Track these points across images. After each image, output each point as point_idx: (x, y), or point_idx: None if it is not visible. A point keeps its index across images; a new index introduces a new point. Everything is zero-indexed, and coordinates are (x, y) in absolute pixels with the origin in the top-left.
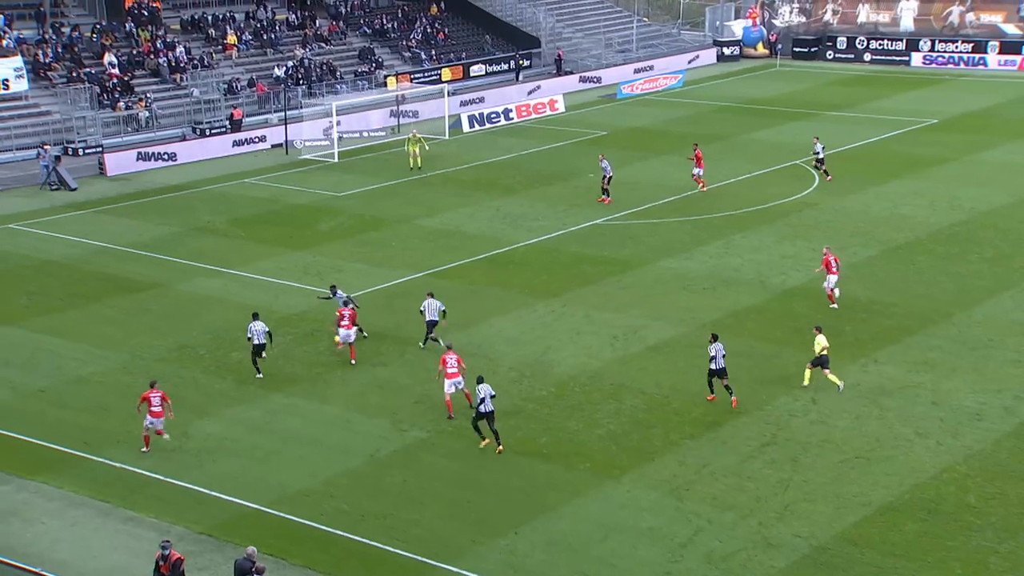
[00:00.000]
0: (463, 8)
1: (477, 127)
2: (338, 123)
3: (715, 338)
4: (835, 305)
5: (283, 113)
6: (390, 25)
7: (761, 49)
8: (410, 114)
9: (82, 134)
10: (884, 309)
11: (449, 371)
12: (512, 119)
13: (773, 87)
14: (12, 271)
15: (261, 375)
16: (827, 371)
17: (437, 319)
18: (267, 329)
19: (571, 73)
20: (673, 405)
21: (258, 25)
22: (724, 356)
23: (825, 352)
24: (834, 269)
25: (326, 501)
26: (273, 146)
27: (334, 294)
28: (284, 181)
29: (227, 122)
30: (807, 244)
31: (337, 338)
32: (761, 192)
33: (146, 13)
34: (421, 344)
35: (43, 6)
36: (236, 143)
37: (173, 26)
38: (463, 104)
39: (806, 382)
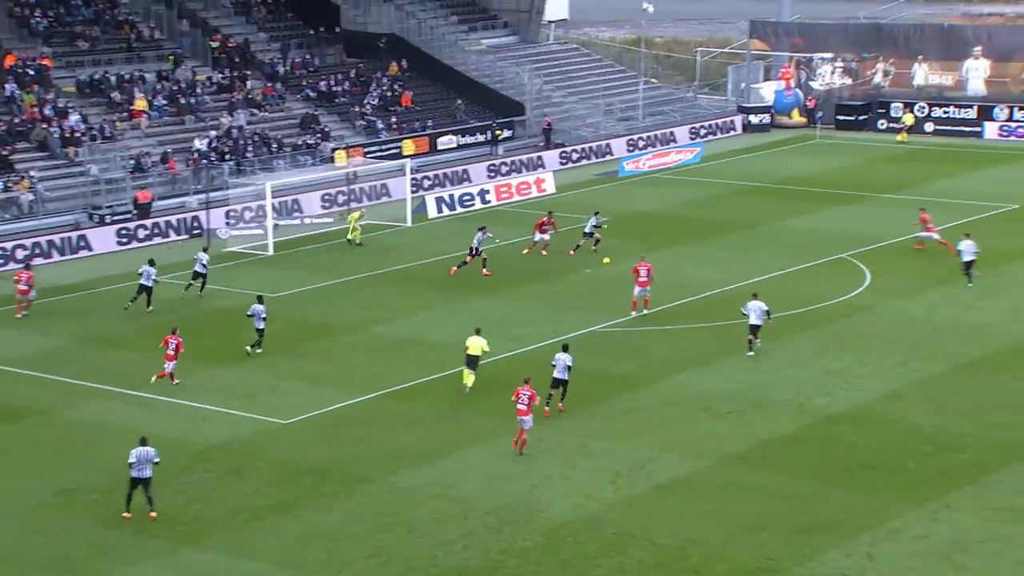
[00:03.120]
0: (430, 68)
1: (447, 211)
2: (274, 207)
3: (565, 348)
4: (645, 310)
5: (205, 195)
6: (339, 88)
7: (797, 117)
8: (360, 195)
9: None
10: (955, 440)
11: (519, 407)
12: (490, 202)
13: (812, 163)
14: None
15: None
16: (471, 372)
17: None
18: (264, 316)
19: (562, 145)
20: (691, 560)
21: (174, 87)
22: (569, 368)
23: (479, 355)
24: (643, 279)
25: None
26: (191, 235)
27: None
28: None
29: (133, 206)
30: (857, 357)
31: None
32: (798, 293)
33: (32, 72)
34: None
35: None
36: (144, 232)
37: (67, 88)
38: (429, 185)
39: (465, 383)
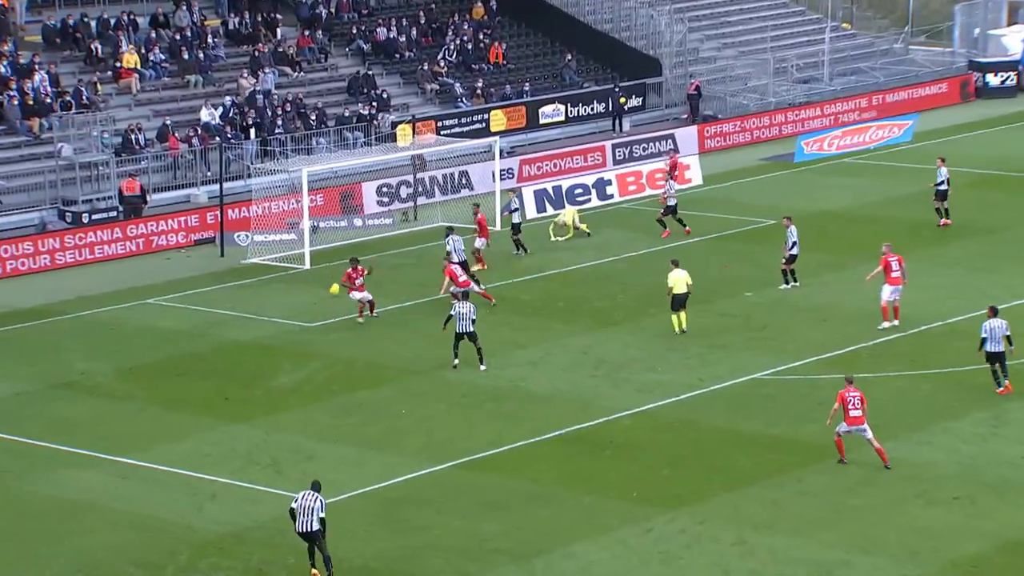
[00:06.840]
0: (529, 10)
1: (551, 211)
2: (312, 204)
3: (995, 313)
4: (896, 322)
5: (218, 186)
6: (403, 38)
7: None
8: (431, 186)
9: None
10: None
11: (852, 414)
12: (611, 197)
13: None
14: None
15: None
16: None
17: None
18: (474, 317)
19: (715, 119)
20: None
21: (176, 37)
22: (1008, 338)
23: (686, 292)
24: (894, 273)
25: None
26: (199, 242)
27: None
28: (216, 302)
29: (118, 200)
30: None
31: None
32: None
33: None
34: None
35: None
36: (133, 237)
37: (31, 37)
38: (528, 172)
39: (677, 329)
